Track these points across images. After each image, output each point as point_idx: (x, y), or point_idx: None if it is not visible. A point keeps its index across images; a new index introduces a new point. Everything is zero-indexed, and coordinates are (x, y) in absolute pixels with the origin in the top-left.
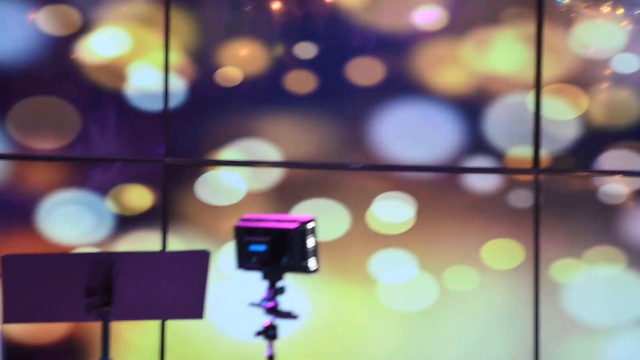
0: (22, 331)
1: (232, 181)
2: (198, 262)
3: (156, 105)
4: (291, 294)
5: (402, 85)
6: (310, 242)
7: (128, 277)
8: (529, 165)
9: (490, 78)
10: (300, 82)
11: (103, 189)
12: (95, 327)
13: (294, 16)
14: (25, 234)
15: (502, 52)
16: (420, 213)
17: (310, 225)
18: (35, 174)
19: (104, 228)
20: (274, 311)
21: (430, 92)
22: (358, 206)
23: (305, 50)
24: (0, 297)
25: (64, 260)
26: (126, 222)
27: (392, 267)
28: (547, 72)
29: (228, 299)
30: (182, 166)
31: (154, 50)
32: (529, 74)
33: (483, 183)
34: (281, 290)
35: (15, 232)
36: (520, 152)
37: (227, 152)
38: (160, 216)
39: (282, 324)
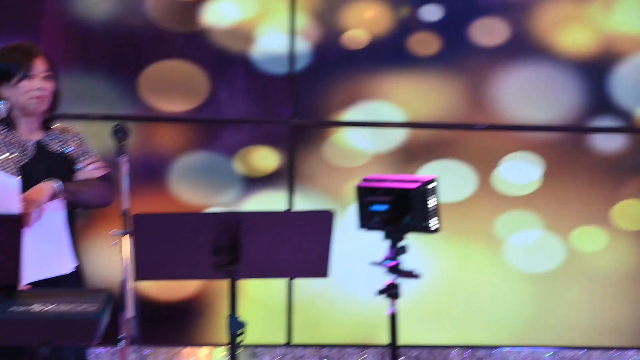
0: (153, 288)
1: (356, 142)
2: (322, 221)
3: (282, 68)
4: (413, 253)
5: (526, 46)
6: (431, 202)
7: (254, 236)
8: None
9: (616, 37)
10: (425, 43)
11: (231, 150)
12: (223, 285)
13: None
14: (156, 194)
15: (628, 10)
16: (547, 174)
17: (431, 185)
18: (165, 135)
19: (232, 188)
20: (395, 270)
21: (555, 52)
22: (484, 167)
23: (430, 12)
24: (132, 255)
25: (192, 219)
26: (253, 183)
27: (518, 228)
28: None
29: (351, 258)
30: (307, 127)
31: (280, 13)
32: None
33: (611, 143)
34: (403, 250)
35: (147, 192)
36: None
37: (352, 114)
38: (286, 177)
39: (404, 283)
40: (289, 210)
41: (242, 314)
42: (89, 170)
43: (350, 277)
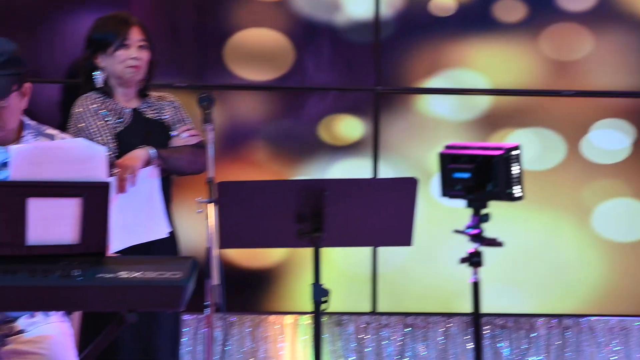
0: (238, 255)
1: (440, 110)
2: (406, 188)
3: (367, 36)
4: (497, 221)
5: (614, 10)
6: (515, 169)
7: (338, 204)
8: None
9: None
10: (510, 10)
11: (316, 119)
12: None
13: None
14: (241, 163)
15: None
16: (638, 141)
17: (515, 152)
18: (250, 104)
19: (316, 157)
20: (478, 238)
21: None
22: (572, 134)
23: None
24: (217, 223)
25: (277, 187)
26: (337, 151)
27: (607, 197)
28: None
29: (434, 226)
30: (392, 95)
31: None
32: None
33: None
34: (485, 218)
35: (231, 160)
36: None
37: (436, 81)
38: (370, 144)
39: (487, 251)
40: (373, 177)
41: (326, 282)
42: (183, 137)
43: (434, 245)
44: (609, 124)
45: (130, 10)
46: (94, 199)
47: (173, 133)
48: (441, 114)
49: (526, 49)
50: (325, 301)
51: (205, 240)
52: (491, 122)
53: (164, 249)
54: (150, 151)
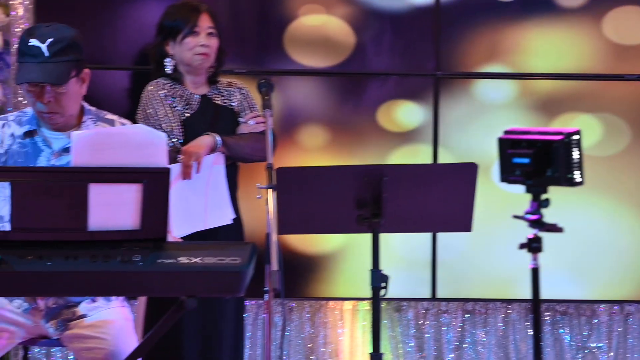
0: (297, 241)
1: (500, 94)
2: (466, 174)
3: (427, 20)
4: (557, 206)
5: None
6: (575, 154)
7: (397, 189)
8: None
9: None
10: None
11: (375, 104)
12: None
13: None
14: (299, 149)
15: None
16: None
17: (575, 137)
18: (310, 90)
19: (376, 142)
20: (538, 224)
21: None
22: (636, 119)
23: None
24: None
25: (336, 173)
26: (397, 136)
27: None
28: None
29: (493, 211)
30: (452, 80)
31: None
32: None
33: None
34: (545, 203)
35: (290, 146)
36: None
37: (496, 66)
38: (430, 130)
39: (547, 237)
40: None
41: (385, 267)
42: (250, 124)
43: (493, 231)
44: None
45: None
46: (154, 185)
47: (241, 119)
48: (501, 99)
49: (588, 32)
50: (385, 287)
51: (265, 226)
52: (552, 107)
53: (229, 235)
54: (216, 138)
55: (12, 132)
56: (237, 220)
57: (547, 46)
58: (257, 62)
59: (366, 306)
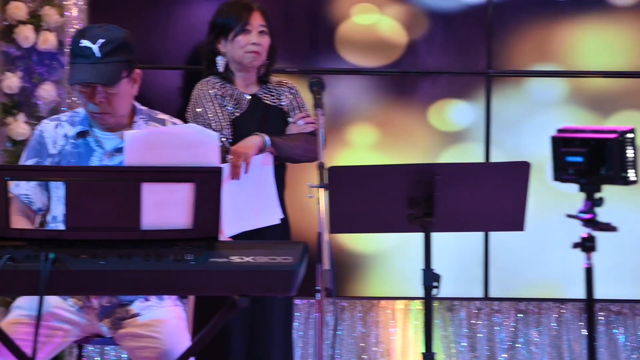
0: (349, 240)
1: (553, 93)
2: (518, 173)
3: (479, 19)
4: (612, 205)
5: None
6: (629, 153)
7: (449, 188)
8: None
9: None
10: None
11: (427, 103)
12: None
13: None
14: (351, 147)
15: None
16: None
17: (629, 135)
18: (361, 89)
19: (427, 141)
20: (591, 223)
21: None
22: None
23: None
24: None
25: (387, 172)
26: (448, 135)
27: None
28: None
29: (546, 210)
30: (503, 78)
31: None
32: None
33: None
34: (599, 202)
35: (341, 145)
36: None
37: (549, 64)
38: (482, 129)
39: (601, 236)
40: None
41: (437, 267)
42: (300, 124)
43: (546, 230)
44: None
45: None
46: (206, 184)
47: (290, 119)
48: (554, 97)
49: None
50: (437, 286)
51: (316, 225)
52: (605, 105)
53: (276, 234)
54: (265, 138)
55: (65, 133)
56: (285, 220)
57: (599, 44)
58: (309, 61)
59: (418, 305)
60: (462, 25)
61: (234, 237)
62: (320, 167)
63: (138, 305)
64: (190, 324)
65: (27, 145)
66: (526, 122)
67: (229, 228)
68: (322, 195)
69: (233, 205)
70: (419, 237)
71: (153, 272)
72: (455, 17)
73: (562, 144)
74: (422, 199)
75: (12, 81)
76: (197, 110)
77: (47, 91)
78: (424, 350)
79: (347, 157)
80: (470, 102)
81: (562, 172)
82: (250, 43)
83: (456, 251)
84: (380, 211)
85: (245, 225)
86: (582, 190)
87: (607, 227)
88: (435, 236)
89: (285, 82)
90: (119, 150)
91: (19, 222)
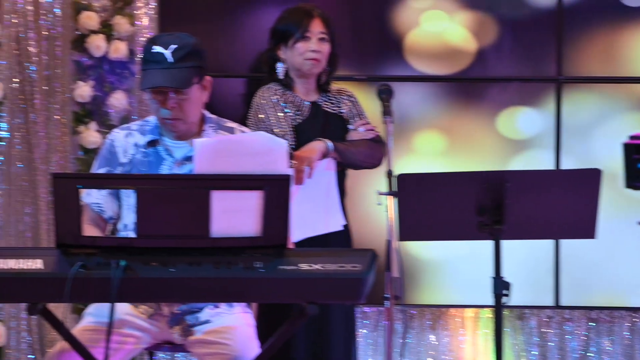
0: (418, 248)
1: (623, 99)
2: (589, 180)
3: (549, 25)
4: None
5: None
6: None
7: (519, 196)
8: None
9: None
10: None
11: (496, 110)
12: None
13: None
14: (418, 154)
15: None
16: None
17: None
18: (429, 96)
19: (496, 148)
20: None
21: None
22: None
23: None
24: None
25: (457, 179)
26: (517, 143)
27: None
28: None
29: (618, 218)
30: (574, 85)
31: None
32: None
33: None
34: None
35: (408, 152)
36: None
37: (619, 70)
38: (552, 135)
39: None
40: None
41: (508, 274)
42: (360, 131)
43: (618, 238)
44: None
45: (314, 2)
46: (275, 192)
47: (350, 127)
48: (625, 103)
49: None
50: (507, 294)
51: (379, 232)
52: None
53: (338, 241)
54: (328, 144)
55: (135, 142)
56: (346, 227)
57: None
58: (377, 68)
59: (488, 314)
60: (532, 31)
61: (297, 244)
62: (389, 174)
63: (208, 312)
64: None
65: (98, 154)
66: (597, 129)
67: (292, 234)
68: (391, 203)
69: (296, 210)
70: (489, 244)
71: (223, 279)
72: (525, 23)
73: (634, 150)
74: (491, 206)
75: (84, 90)
76: (260, 116)
77: (118, 100)
78: (494, 359)
79: (413, 165)
80: (539, 108)
81: (634, 179)
82: (309, 50)
83: (526, 259)
84: (449, 219)
85: (309, 231)
86: None
87: None
88: (505, 243)
89: (345, 90)
90: (188, 158)
91: (89, 230)
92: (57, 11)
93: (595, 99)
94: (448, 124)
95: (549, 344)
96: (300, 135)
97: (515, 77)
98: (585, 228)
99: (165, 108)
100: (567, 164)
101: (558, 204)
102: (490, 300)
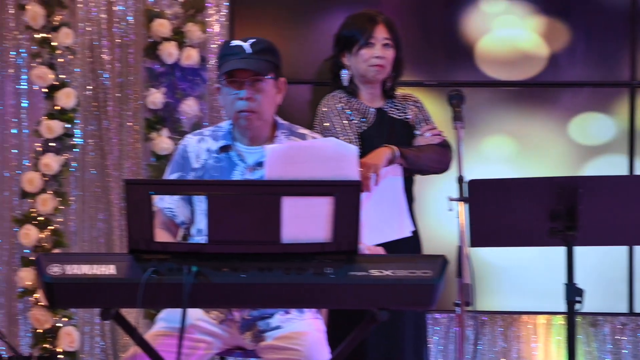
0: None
1: None
2: None
3: (622, 28)
4: None
5: None
6: None
7: (592, 201)
8: None
9: None
10: None
11: (569, 115)
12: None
13: None
14: (488, 160)
15: None
16: None
17: None
18: (500, 102)
19: (569, 153)
20: None
21: None
22: None
23: None
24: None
25: (529, 184)
26: (589, 149)
27: None
28: None
29: None
30: None
31: None
32: None
33: None
34: None
35: (478, 157)
36: None
37: None
38: (625, 141)
39: None
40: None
41: (580, 281)
42: (427, 137)
43: None
44: None
45: (381, 8)
46: (345, 197)
47: (416, 132)
48: None
49: None
50: (580, 301)
51: (449, 238)
52: None
53: (408, 248)
54: (394, 150)
55: (208, 147)
56: (415, 233)
57: None
58: (447, 74)
59: (560, 320)
60: (605, 36)
61: None
62: (460, 180)
63: (279, 318)
64: None
65: (171, 159)
66: None
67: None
68: (462, 209)
69: (364, 218)
70: (561, 250)
71: (293, 285)
72: (598, 28)
73: None
74: (564, 212)
75: (156, 97)
76: (325, 124)
77: (189, 106)
78: None
79: (481, 170)
80: (612, 114)
81: None
82: (373, 56)
83: (599, 265)
84: (521, 225)
85: (377, 238)
86: None
87: None
88: (578, 249)
89: (410, 96)
90: (260, 164)
91: (161, 235)
92: (130, 19)
93: None
94: (518, 130)
95: (623, 351)
96: (366, 142)
97: (588, 82)
98: None
99: (241, 99)
100: None
101: (632, 210)
102: (562, 307)
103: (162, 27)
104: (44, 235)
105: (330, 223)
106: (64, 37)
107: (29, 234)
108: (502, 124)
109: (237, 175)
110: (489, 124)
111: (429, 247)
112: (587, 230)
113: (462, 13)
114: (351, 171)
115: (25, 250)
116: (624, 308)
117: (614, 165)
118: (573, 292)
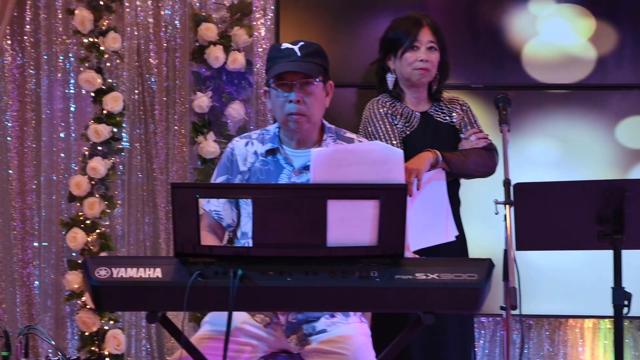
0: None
1: None
2: None
3: None
4: None
5: None
6: None
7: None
8: None
9: None
10: None
11: (617, 119)
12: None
13: None
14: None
15: None
16: None
17: None
18: (548, 104)
19: (616, 157)
20: None
21: None
22: None
23: None
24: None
25: (575, 188)
26: (636, 152)
27: None
28: None
29: None
30: None
31: None
32: None
33: None
34: None
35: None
36: None
37: None
38: None
39: None
40: None
41: (628, 285)
42: (472, 140)
43: None
44: None
45: (428, 11)
46: (391, 201)
47: (462, 135)
48: None
49: None
50: (627, 305)
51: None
52: None
53: (452, 252)
54: (437, 154)
55: (255, 150)
56: (461, 237)
57: None
58: (494, 77)
59: (607, 324)
60: None
61: None
62: (507, 183)
63: (324, 321)
64: None
65: (219, 162)
66: None
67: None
68: (508, 212)
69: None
70: (608, 253)
71: (338, 288)
72: None
73: None
74: (611, 215)
75: (203, 101)
76: (369, 129)
77: (235, 110)
78: None
79: (529, 174)
80: None
81: None
82: (418, 60)
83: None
84: (567, 228)
85: (420, 243)
86: None
87: None
88: (625, 253)
89: (457, 99)
90: (307, 168)
91: (207, 238)
92: (177, 23)
93: None
94: (565, 133)
95: None
96: (410, 147)
97: (636, 85)
98: None
99: (291, 101)
100: None
101: None
102: (609, 310)
103: (208, 31)
104: (90, 239)
105: (375, 226)
106: (112, 42)
107: (76, 237)
108: (548, 127)
109: (283, 178)
110: (535, 127)
111: (475, 250)
112: (634, 234)
113: (510, 16)
114: (397, 174)
115: (72, 254)
116: None
117: None
118: (621, 296)
